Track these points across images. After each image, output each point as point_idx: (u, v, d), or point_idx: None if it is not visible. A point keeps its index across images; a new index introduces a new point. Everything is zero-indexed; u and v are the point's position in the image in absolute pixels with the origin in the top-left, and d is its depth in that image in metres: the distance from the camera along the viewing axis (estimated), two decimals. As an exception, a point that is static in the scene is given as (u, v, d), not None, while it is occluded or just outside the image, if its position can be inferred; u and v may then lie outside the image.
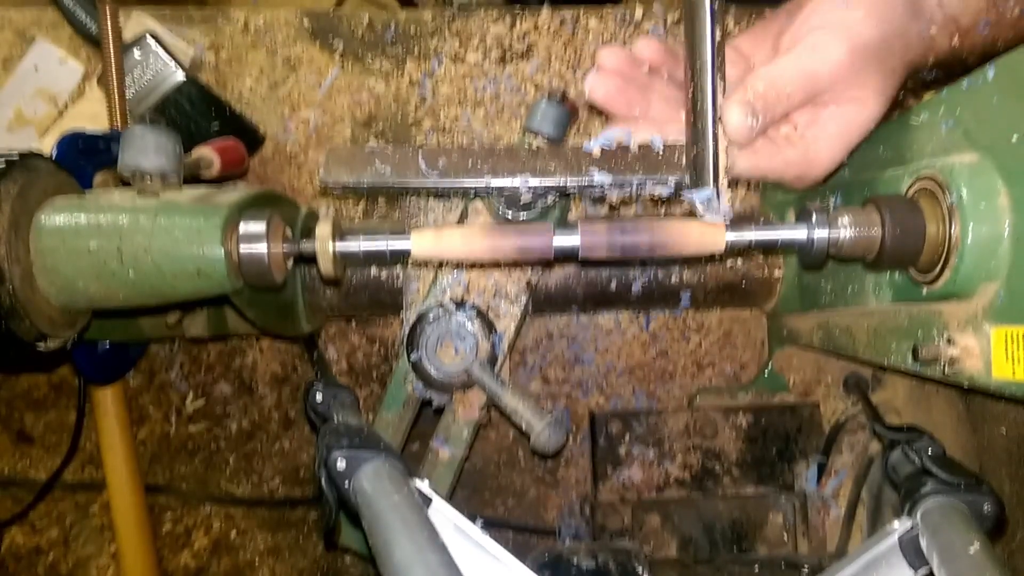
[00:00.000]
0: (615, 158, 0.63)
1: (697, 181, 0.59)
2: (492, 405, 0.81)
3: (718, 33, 0.56)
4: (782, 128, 0.62)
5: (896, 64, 0.60)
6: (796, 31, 0.61)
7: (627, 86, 0.64)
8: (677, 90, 0.65)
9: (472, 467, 1.04)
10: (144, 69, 0.89)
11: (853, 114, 0.61)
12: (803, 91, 0.59)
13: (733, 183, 0.62)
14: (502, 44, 0.97)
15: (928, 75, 0.64)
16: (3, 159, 0.60)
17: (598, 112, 0.97)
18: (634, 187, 0.63)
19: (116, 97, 0.86)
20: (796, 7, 0.63)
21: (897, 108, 0.64)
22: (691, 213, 0.62)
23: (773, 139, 0.62)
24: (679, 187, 0.62)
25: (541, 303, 0.90)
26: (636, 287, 0.89)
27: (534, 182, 0.63)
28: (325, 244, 0.62)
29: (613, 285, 0.89)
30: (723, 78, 0.58)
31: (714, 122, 0.58)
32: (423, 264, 0.83)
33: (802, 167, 0.62)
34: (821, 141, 0.61)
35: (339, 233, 0.63)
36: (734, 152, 0.60)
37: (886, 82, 0.60)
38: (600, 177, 0.62)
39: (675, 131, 0.63)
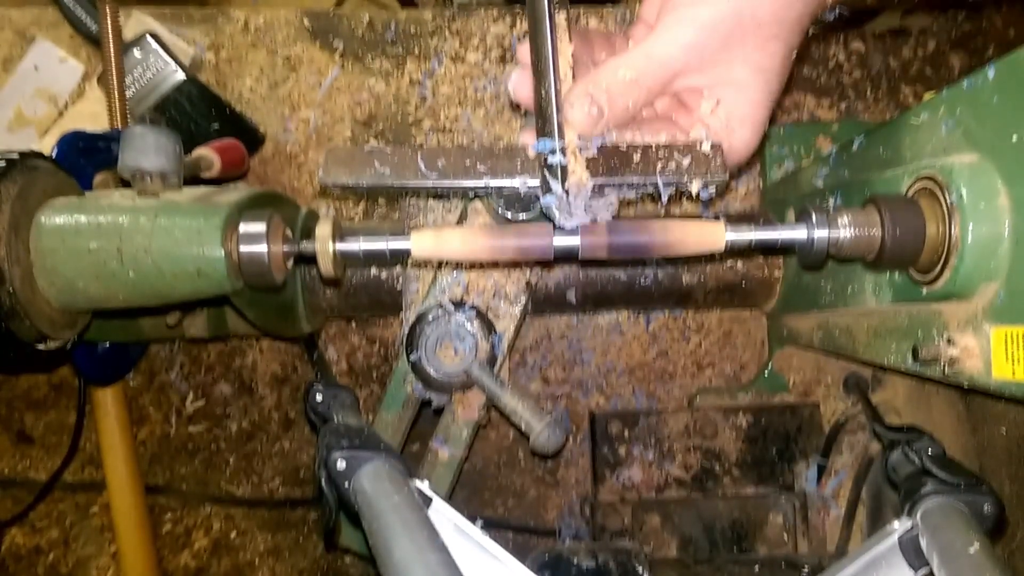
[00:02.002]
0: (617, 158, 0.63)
1: (546, 185, 0.59)
2: (491, 405, 0.81)
3: (560, 18, 0.55)
4: (687, 117, 0.62)
5: (774, 31, 0.58)
6: (661, 11, 0.60)
7: None
8: None
9: (472, 467, 1.04)
10: (144, 69, 0.89)
11: (740, 94, 0.59)
12: (658, 77, 0.58)
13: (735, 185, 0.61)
14: (502, 44, 0.97)
15: (830, 16, 0.61)
16: (3, 159, 0.60)
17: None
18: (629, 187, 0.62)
19: (116, 97, 0.86)
20: None
21: (793, 78, 0.60)
22: (692, 214, 0.61)
23: (685, 130, 0.62)
24: (678, 187, 0.61)
25: (541, 303, 0.90)
26: (636, 287, 0.89)
27: (533, 183, 0.63)
28: (325, 244, 0.62)
29: (613, 285, 0.89)
30: (559, 71, 0.56)
31: (559, 126, 0.56)
32: (423, 264, 0.83)
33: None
34: (726, 126, 0.60)
35: (339, 233, 0.63)
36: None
37: (763, 52, 0.58)
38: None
39: None
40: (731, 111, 0.60)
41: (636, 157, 0.60)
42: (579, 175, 0.58)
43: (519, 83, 0.62)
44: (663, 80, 0.58)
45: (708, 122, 0.61)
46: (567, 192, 0.58)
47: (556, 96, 0.56)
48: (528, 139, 0.64)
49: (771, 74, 0.59)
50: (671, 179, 0.60)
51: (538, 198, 0.61)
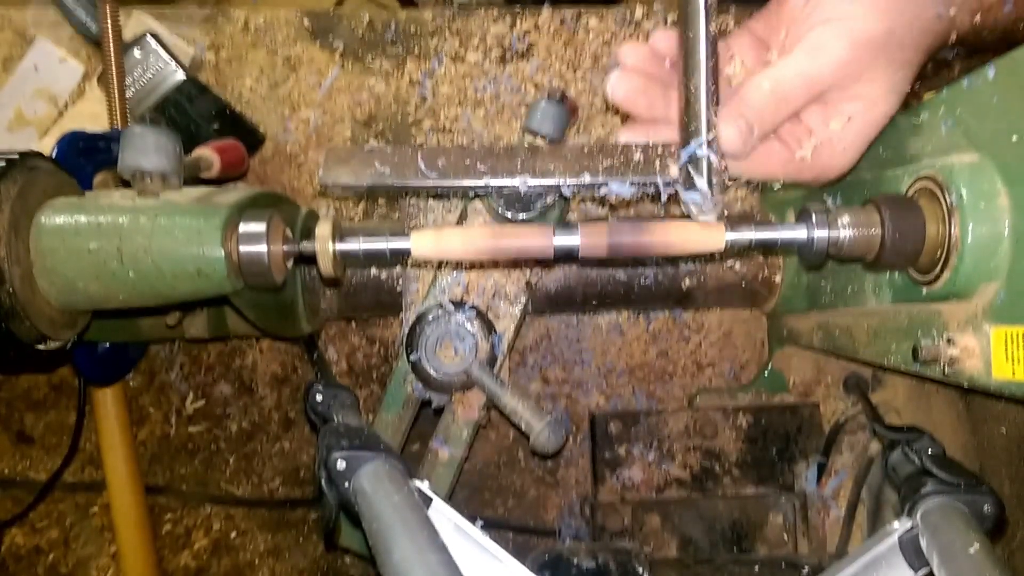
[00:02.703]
0: (614, 157, 0.63)
1: (690, 181, 0.59)
2: (491, 405, 0.81)
3: (713, 29, 0.56)
4: (796, 132, 0.61)
5: (909, 55, 0.58)
6: (799, 26, 0.59)
7: (649, 85, 0.62)
8: None
9: (472, 467, 1.04)
10: (144, 69, 0.89)
11: (864, 113, 0.59)
12: (804, 94, 0.58)
13: (732, 183, 0.62)
14: (502, 44, 0.97)
15: (948, 54, 0.62)
16: (3, 159, 0.60)
17: (603, 111, 0.98)
18: (628, 188, 0.62)
19: (116, 97, 0.86)
20: None
21: (906, 104, 0.62)
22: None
23: (787, 144, 0.61)
24: (674, 187, 0.61)
25: (541, 303, 0.90)
26: (636, 287, 0.89)
27: (533, 182, 0.63)
28: (325, 244, 0.62)
29: (613, 285, 0.89)
30: (716, 79, 0.57)
31: (708, 123, 0.57)
32: (423, 264, 0.83)
33: (817, 169, 0.62)
34: (835, 142, 0.60)
35: (339, 233, 0.63)
36: (741, 162, 0.60)
37: (897, 75, 0.58)
38: (593, 179, 0.62)
39: None
40: (848, 127, 0.60)
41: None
42: (722, 172, 0.59)
43: (617, 84, 0.62)
44: (809, 98, 0.58)
45: (815, 135, 0.60)
46: (711, 188, 0.58)
47: (706, 94, 0.56)
48: (627, 136, 0.63)
49: (897, 98, 0.59)
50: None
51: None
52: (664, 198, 0.63)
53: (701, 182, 0.58)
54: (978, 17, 0.59)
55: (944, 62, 0.62)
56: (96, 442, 0.99)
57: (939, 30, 0.58)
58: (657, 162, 0.62)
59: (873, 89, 0.58)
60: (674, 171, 0.60)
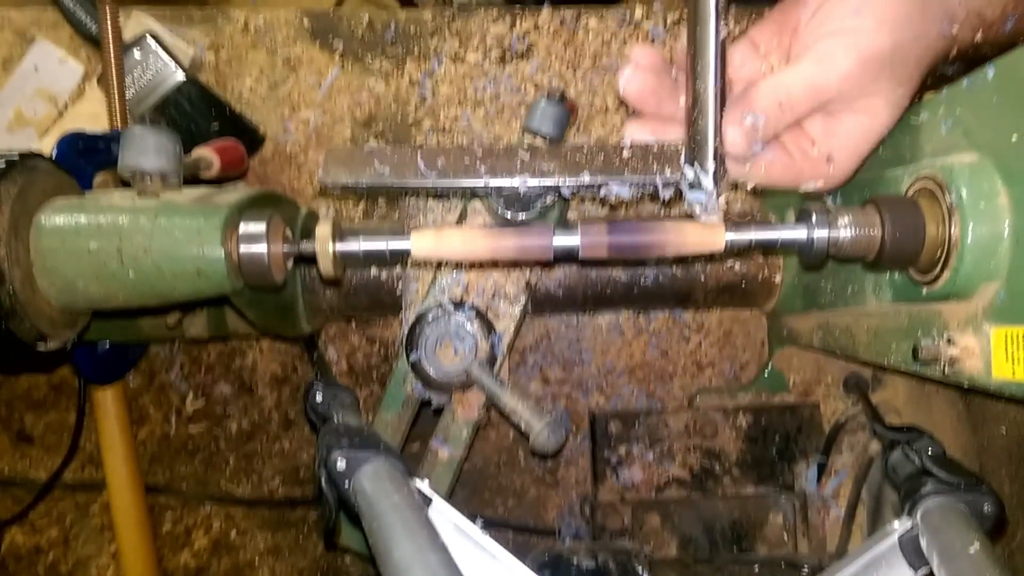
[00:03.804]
0: (615, 157, 0.63)
1: (696, 182, 0.59)
2: (491, 405, 0.81)
3: (723, 32, 0.56)
4: (799, 141, 0.62)
5: (911, 71, 0.59)
6: (807, 36, 0.60)
7: (660, 84, 0.63)
8: None
9: (472, 467, 1.04)
10: (144, 69, 0.89)
11: (866, 124, 0.60)
12: (808, 103, 0.58)
13: (734, 186, 0.62)
14: (502, 44, 0.97)
15: (948, 69, 0.62)
16: (3, 159, 0.60)
17: (603, 111, 0.98)
18: (629, 187, 0.63)
19: (116, 97, 0.86)
20: (814, 3, 0.62)
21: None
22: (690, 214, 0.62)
23: (788, 151, 0.62)
24: (677, 186, 0.62)
25: (541, 303, 0.90)
26: (636, 287, 0.89)
27: (533, 182, 0.63)
28: (325, 244, 0.62)
29: (613, 285, 0.89)
30: (724, 81, 0.58)
31: (715, 124, 0.57)
32: (423, 264, 0.83)
33: (817, 178, 0.62)
34: (835, 152, 0.61)
35: (339, 233, 0.63)
36: (743, 167, 0.60)
37: (899, 90, 0.59)
38: (592, 179, 0.62)
39: None
40: (848, 139, 0.60)
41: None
42: (727, 173, 0.60)
43: (631, 80, 0.62)
44: (813, 106, 0.59)
45: (816, 145, 0.61)
46: (717, 188, 0.59)
47: (714, 96, 0.57)
48: (633, 133, 0.64)
49: (898, 112, 0.60)
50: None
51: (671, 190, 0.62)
52: (664, 198, 0.63)
53: (707, 181, 0.58)
54: (979, 35, 0.60)
55: (943, 77, 0.62)
56: (96, 442, 0.99)
57: (941, 47, 0.59)
58: (656, 163, 0.62)
59: (875, 103, 0.59)
60: (673, 172, 0.61)
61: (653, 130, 0.64)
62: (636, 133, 0.64)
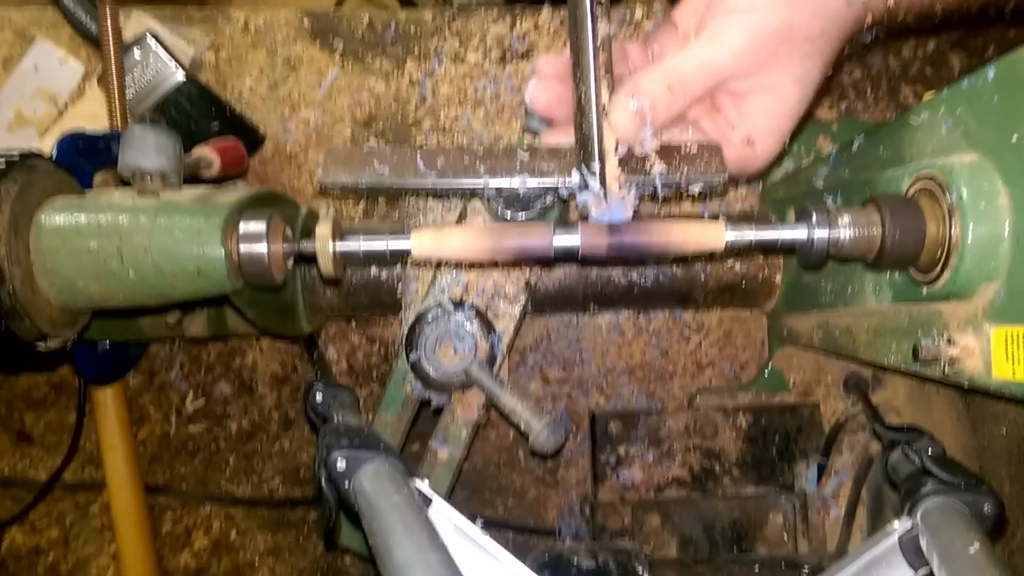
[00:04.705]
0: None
1: (584, 183, 0.59)
2: (491, 405, 0.81)
3: (601, 27, 0.55)
4: (719, 126, 0.62)
5: (817, 45, 0.58)
6: (705, 15, 0.60)
7: (567, 92, 0.63)
8: None
9: (472, 467, 1.04)
10: (144, 69, 0.89)
11: (775, 101, 0.60)
12: (702, 84, 0.58)
13: (733, 184, 0.62)
14: (502, 44, 0.97)
15: (867, 37, 0.62)
16: (3, 159, 0.60)
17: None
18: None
19: (116, 97, 0.86)
20: None
21: (827, 92, 0.61)
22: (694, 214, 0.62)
23: (709, 136, 0.62)
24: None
25: (540, 303, 0.90)
26: (636, 287, 0.89)
27: (533, 182, 0.63)
28: (325, 244, 0.62)
29: (613, 285, 0.89)
30: (608, 81, 0.57)
31: (599, 125, 0.57)
32: (422, 264, 0.83)
33: (740, 160, 0.62)
34: (753, 133, 0.61)
35: (339, 233, 0.63)
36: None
37: (805, 65, 0.58)
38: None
39: None
40: (762, 119, 0.60)
41: (654, 157, 0.61)
42: (616, 175, 0.59)
43: (536, 93, 0.63)
44: (708, 87, 0.59)
45: (736, 129, 0.61)
46: (605, 191, 0.58)
47: (596, 98, 0.56)
48: (552, 139, 0.64)
49: (808, 87, 0.60)
50: (673, 179, 0.60)
51: (559, 197, 0.61)
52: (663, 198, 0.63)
53: (594, 183, 0.58)
54: (891, 0, 0.59)
55: (864, 45, 0.62)
56: (96, 442, 0.99)
57: (851, 17, 0.58)
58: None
59: (779, 79, 0.59)
60: (574, 175, 0.61)
61: (568, 134, 0.64)
62: (553, 141, 0.65)
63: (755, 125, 0.61)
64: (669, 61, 0.59)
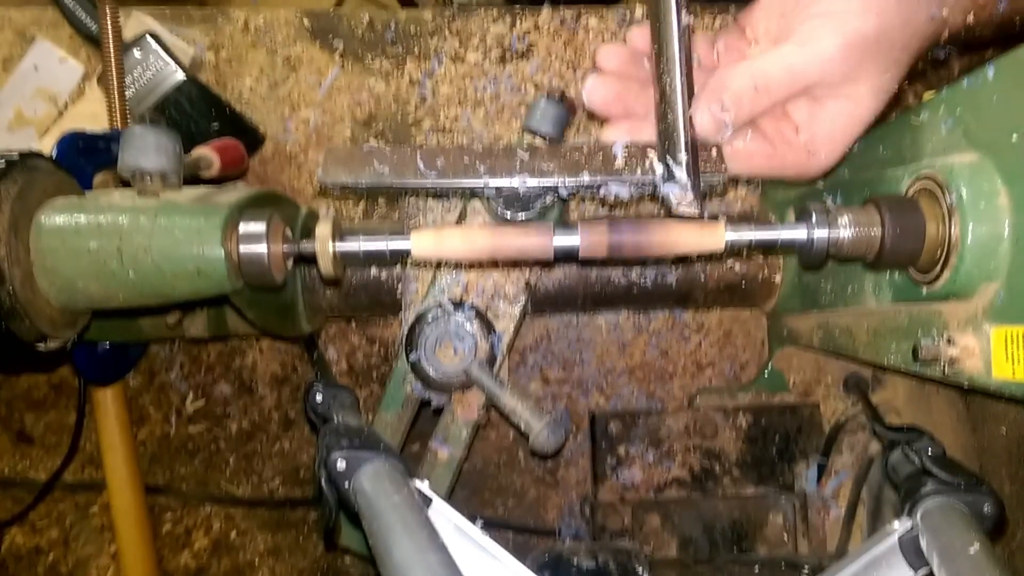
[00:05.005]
0: (600, 157, 0.63)
1: (668, 174, 0.59)
2: (491, 405, 0.81)
3: (684, 19, 0.55)
4: (782, 128, 0.61)
5: (899, 55, 0.57)
6: (792, 19, 0.59)
7: (625, 89, 0.63)
8: None
9: (472, 467, 1.04)
10: (144, 69, 0.89)
11: (850, 110, 0.59)
12: (787, 87, 0.58)
13: (716, 180, 0.62)
14: (502, 44, 0.97)
15: (940, 53, 0.61)
16: (3, 159, 0.60)
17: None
18: (626, 188, 0.62)
19: (116, 97, 0.86)
20: None
21: (897, 104, 0.62)
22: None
23: (771, 139, 0.61)
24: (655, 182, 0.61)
25: (540, 303, 0.90)
26: (636, 287, 0.89)
27: (532, 182, 0.63)
28: (325, 244, 0.62)
29: (613, 285, 0.89)
30: (691, 72, 0.57)
31: (684, 116, 0.57)
32: (422, 264, 0.83)
33: (800, 166, 0.62)
34: (819, 139, 0.60)
35: (339, 233, 0.63)
36: (728, 154, 0.60)
37: (885, 75, 0.58)
38: (592, 179, 0.62)
39: None
40: (833, 126, 0.59)
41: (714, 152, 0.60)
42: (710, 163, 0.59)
43: (594, 90, 0.62)
44: (793, 90, 0.58)
45: (801, 132, 0.60)
46: (693, 182, 0.58)
47: (682, 89, 0.56)
48: (611, 136, 0.63)
49: (882, 98, 0.59)
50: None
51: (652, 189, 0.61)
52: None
53: (680, 173, 0.58)
54: (971, 16, 0.58)
55: (937, 61, 0.61)
56: (96, 442, 0.99)
57: (930, 31, 0.58)
58: (643, 160, 0.62)
59: (860, 88, 0.58)
60: (657, 166, 0.60)
61: (629, 130, 0.64)
62: (612, 137, 0.64)
63: (824, 132, 0.60)
64: (757, 62, 0.58)
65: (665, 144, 0.59)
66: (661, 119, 0.58)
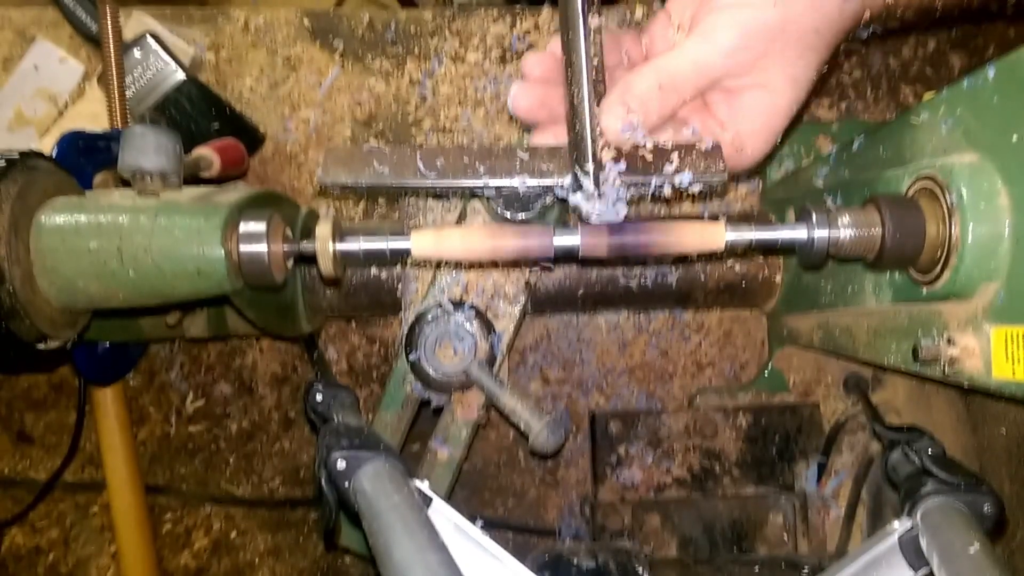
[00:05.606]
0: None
1: (578, 183, 0.58)
2: (491, 405, 0.81)
3: (591, 24, 0.54)
4: (709, 125, 0.61)
5: (811, 43, 0.57)
6: (698, 12, 0.58)
7: (549, 95, 0.62)
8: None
9: (472, 467, 1.04)
10: (144, 69, 0.89)
11: (768, 102, 0.58)
12: (694, 83, 0.57)
13: (734, 181, 0.61)
14: (502, 44, 0.97)
15: (864, 33, 0.60)
16: (3, 159, 0.60)
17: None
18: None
19: (116, 97, 0.86)
20: None
21: (818, 91, 0.60)
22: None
23: (696, 133, 0.61)
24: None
25: (540, 303, 0.90)
26: (636, 287, 0.89)
27: (532, 182, 0.63)
28: (325, 244, 0.62)
29: (613, 285, 0.89)
30: (599, 78, 0.57)
31: (592, 126, 0.56)
32: (422, 264, 0.83)
33: (728, 160, 0.61)
34: (744, 134, 0.60)
35: (339, 233, 0.63)
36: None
37: (800, 62, 0.57)
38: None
39: None
40: (754, 118, 0.59)
41: (649, 157, 0.60)
42: (611, 175, 0.58)
43: (519, 98, 0.62)
44: (700, 86, 0.58)
45: (726, 127, 0.60)
46: (599, 191, 0.58)
47: (589, 98, 0.55)
48: (539, 141, 0.64)
49: (801, 85, 0.59)
50: (672, 180, 0.60)
51: (556, 197, 0.61)
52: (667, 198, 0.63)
53: (588, 183, 0.58)
54: None
55: (862, 41, 0.61)
56: (96, 442, 0.99)
57: (847, 14, 0.57)
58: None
59: (772, 77, 0.57)
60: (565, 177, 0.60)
61: (555, 134, 0.63)
62: (540, 142, 0.64)
63: (746, 124, 0.60)
64: (660, 60, 0.58)
65: (573, 154, 0.58)
66: (570, 128, 0.57)
